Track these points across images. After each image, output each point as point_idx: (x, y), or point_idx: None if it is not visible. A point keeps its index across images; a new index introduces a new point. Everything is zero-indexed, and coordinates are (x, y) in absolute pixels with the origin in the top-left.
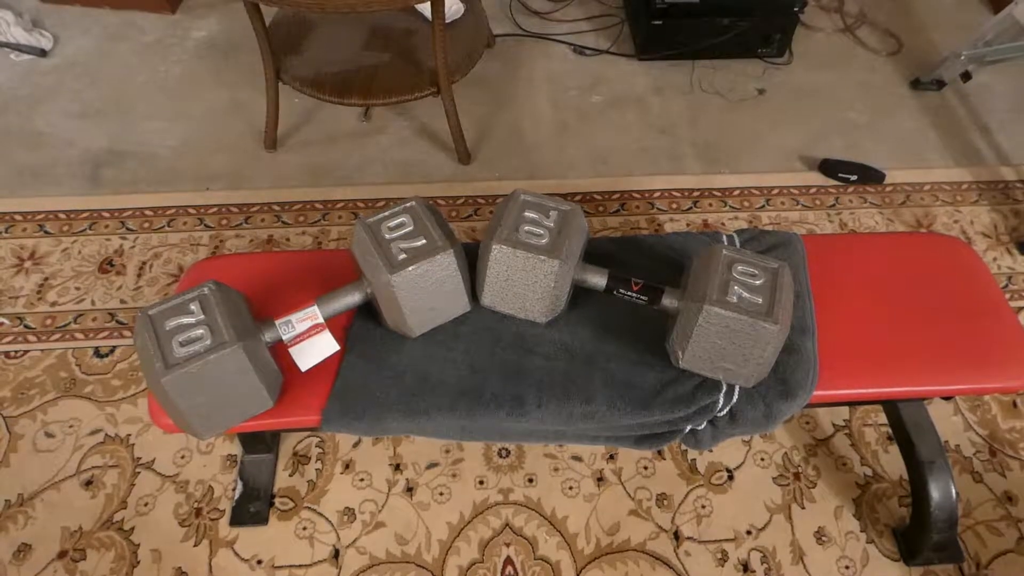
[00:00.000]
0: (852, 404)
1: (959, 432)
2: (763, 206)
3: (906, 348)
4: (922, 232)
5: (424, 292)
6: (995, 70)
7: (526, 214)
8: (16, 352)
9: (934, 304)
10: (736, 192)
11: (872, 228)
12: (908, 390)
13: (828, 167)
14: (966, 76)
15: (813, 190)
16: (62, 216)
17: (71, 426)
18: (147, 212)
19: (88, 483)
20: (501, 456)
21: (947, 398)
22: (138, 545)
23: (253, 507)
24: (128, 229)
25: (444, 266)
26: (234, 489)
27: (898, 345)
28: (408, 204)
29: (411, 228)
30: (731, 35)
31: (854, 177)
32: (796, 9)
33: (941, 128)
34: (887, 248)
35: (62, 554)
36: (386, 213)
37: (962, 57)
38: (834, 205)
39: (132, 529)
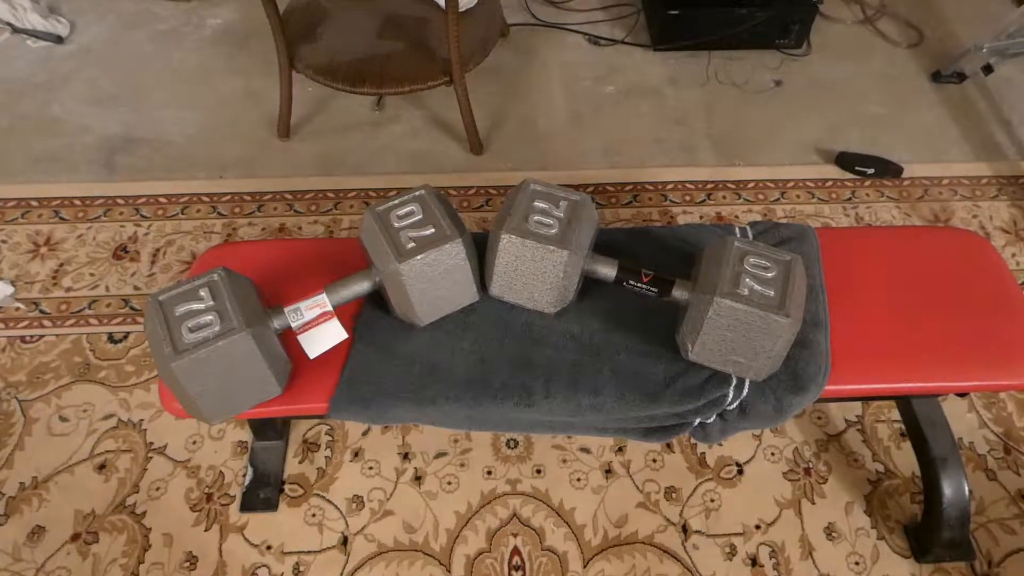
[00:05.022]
0: (865, 399)
1: (973, 429)
2: (778, 199)
3: (921, 343)
4: (939, 226)
5: (432, 281)
6: (1018, 63)
7: (536, 204)
8: (31, 337)
9: (950, 299)
10: (751, 185)
11: (889, 222)
12: (922, 386)
13: (845, 160)
14: (988, 69)
15: (829, 183)
16: (77, 202)
17: (85, 411)
18: (161, 199)
19: (101, 467)
20: (509, 447)
21: (962, 395)
22: (150, 529)
23: (263, 493)
24: (142, 216)
25: (452, 255)
26: (244, 475)
27: (913, 340)
28: (417, 192)
29: (420, 217)
30: (748, 25)
31: (871, 170)
32: None
33: (961, 122)
34: (903, 242)
35: (75, 536)
36: (395, 201)
37: (984, 50)
38: (850, 199)
39: (144, 513)
